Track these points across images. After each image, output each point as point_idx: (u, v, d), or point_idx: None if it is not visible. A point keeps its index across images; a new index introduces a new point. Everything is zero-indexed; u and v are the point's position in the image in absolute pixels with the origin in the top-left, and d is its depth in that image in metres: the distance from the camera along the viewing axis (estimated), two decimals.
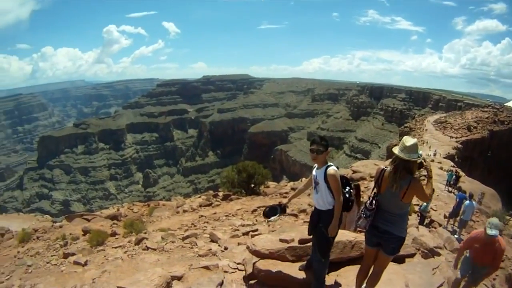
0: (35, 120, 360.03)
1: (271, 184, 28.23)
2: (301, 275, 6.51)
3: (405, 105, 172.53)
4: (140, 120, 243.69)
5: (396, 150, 5.15)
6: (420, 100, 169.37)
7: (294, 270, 6.67)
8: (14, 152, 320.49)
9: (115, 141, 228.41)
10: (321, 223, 5.72)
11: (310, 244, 6.41)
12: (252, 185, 25.05)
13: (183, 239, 12.99)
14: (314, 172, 5.86)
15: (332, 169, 5.48)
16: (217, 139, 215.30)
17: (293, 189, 23.56)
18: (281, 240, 7.40)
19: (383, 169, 5.39)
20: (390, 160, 5.78)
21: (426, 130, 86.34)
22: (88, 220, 23.57)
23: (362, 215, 5.51)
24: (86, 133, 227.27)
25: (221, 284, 7.27)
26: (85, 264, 12.95)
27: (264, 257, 7.17)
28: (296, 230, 8.37)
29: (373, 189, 5.72)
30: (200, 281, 7.48)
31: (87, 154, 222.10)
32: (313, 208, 6.24)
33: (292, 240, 7.32)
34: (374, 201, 5.42)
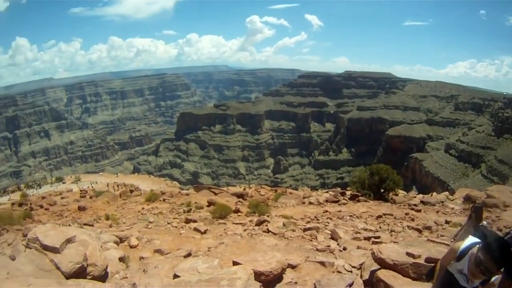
0: (177, 98, 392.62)
1: (401, 192, 27.01)
2: None
3: None
4: (279, 108, 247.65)
5: None
6: None
7: None
8: (154, 123, 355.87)
9: (252, 125, 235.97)
10: None
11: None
12: (382, 190, 24.11)
13: (304, 230, 12.97)
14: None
15: None
16: (353, 136, 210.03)
17: (422, 202, 22.27)
18: (408, 254, 7.07)
19: None
20: None
21: None
22: (215, 194, 24.64)
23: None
24: (225, 114, 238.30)
25: (351, 285, 7.13)
26: (204, 232, 13.49)
27: (387, 267, 6.90)
28: (424, 247, 7.93)
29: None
30: (329, 278, 7.42)
31: (223, 133, 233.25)
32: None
33: (419, 257, 6.96)
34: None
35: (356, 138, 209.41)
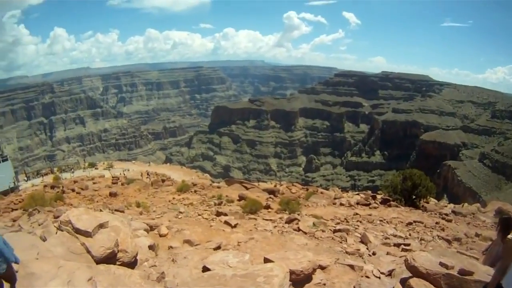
0: (212, 91, 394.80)
1: (432, 200, 26.48)
2: None
3: None
4: (314, 106, 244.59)
5: None
6: None
7: None
8: (189, 115, 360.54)
9: (286, 122, 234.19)
10: None
11: (469, 277, 5.87)
12: (414, 197, 23.67)
13: (334, 231, 12.90)
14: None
15: None
16: (386, 139, 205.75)
17: (454, 212, 21.79)
18: (441, 264, 6.92)
19: None
20: None
21: None
22: (246, 188, 24.71)
23: None
24: (259, 110, 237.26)
25: None
26: (235, 226, 13.59)
27: (419, 276, 6.78)
28: (457, 258, 7.77)
29: None
30: (369, 282, 7.40)
31: (257, 129, 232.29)
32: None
33: (452, 268, 6.80)
34: None
35: (389, 141, 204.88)
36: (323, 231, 12.96)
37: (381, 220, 16.70)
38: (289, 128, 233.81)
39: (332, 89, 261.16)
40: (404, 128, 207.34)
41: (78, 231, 7.88)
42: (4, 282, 7.10)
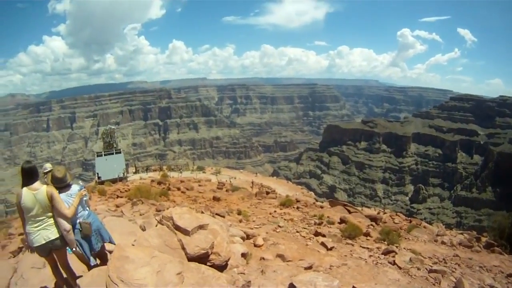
0: (326, 109, 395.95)
1: None
2: None
3: None
4: (427, 132, 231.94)
5: None
6: None
7: None
8: (300, 131, 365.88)
9: (397, 147, 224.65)
10: None
11: None
12: None
13: (430, 271, 12.34)
14: None
15: None
16: (500, 174, 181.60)
17: None
18: None
19: None
20: None
21: None
22: (349, 212, 24.34)
23: None
24: (372, 132, 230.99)
25: None
26: (330, 249, 13.51)
27: None
28: None
29: None
30: None
31: (368, 151, 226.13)
32: None
33: None
34: None
35: (504, 177, 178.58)
36: (418, 268, 12.42)
37: (480, 267, 15.42)
38: (400, 154, 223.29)
39: (447, 114, 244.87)
40: None
41: (177, 227, 8.38)
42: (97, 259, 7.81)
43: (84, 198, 7.25)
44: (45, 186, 6.47)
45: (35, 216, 6.36)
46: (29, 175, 6.33)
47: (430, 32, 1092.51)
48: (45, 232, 6.40)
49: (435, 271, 12.32)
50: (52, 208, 6.45)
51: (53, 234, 6.45)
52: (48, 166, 7.34)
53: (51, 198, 6.36)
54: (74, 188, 7.05)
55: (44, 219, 6.42)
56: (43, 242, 6.40)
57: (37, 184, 6.39)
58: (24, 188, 6.32)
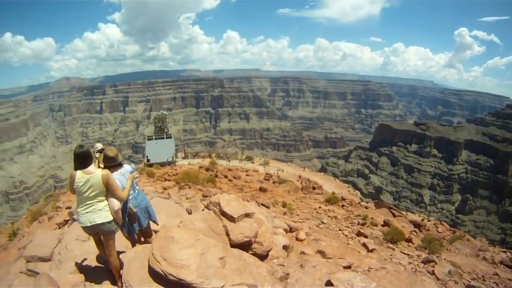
0: (379, 108, 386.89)
1: None
2: None
3: None
4: (480, 139, 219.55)
5: None
6: None
7: None
8: (352, 129, 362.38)
9: (448, 153, 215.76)
10: None
11: None
12: None
13: (467, 286, 12.12)
14: None
15: None
16: None
17: None
18: None
19: None
20: None
21: None
22: (394, 215, 24.06)
23: None
24: (423, 135, 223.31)
25: None
26: (371, 251, 13.46)
27: None
28: None
29: None
30: None
31: (418, 154, 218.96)
32: None
33: None
34: None
35: None
36: (456, 282, 12.18)
37: None
38: (451, 160, 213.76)
39: (502, 123, 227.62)
40: None
41: (224, 214, 8.62)
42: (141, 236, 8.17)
43: (135, 181, 7.57)
44: (100, 170, 6.67)
45: (86, 199, 6.58)
46: (81, 160, 6.51)
47: (489, 33, 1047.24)
48: (92, 215, 6.60)
49: (473, 286, 12.11)
50: (106, 191, 6.67)
51: (100, 218, 6.62)
52: (98, 145, 7.64)
53: (107, 183, 6.57)
54: (126, 167, 7.40)
55: (93, 202, 6.62)
56: (88, 224, 6.62)
57: (92, 168, 6.58)
58: (79, 171, 6.51)
